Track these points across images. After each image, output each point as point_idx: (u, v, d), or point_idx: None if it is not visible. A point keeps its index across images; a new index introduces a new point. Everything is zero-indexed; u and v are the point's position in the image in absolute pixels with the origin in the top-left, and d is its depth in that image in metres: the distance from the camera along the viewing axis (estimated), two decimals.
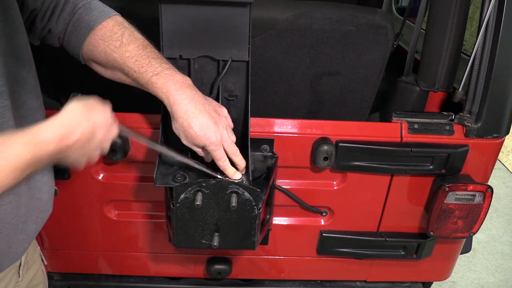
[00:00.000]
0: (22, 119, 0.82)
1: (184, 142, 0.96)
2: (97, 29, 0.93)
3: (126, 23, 0.96)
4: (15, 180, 0.68)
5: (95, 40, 0.94)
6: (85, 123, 0.77)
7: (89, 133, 0.78)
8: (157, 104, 0.98)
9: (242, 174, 1.01)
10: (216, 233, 1.02)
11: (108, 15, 0.95)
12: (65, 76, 1.35)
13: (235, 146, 0.99)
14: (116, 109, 1.16)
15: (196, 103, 0.92)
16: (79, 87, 1.37)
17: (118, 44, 0.92)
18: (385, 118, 1.33)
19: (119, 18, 0.96)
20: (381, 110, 1.52)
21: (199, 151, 0.98)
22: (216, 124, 0.93)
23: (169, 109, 0.92)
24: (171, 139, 1.09)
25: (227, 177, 1.00)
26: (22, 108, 0.83)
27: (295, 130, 1.19)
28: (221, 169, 0.99)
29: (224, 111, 1.00)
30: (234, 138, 1.00)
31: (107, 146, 0.85)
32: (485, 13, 1.10)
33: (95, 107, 0.81)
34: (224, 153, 0.97)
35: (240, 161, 1.00)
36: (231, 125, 1.01)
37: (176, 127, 0.94)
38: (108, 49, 0.93)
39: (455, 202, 1.23)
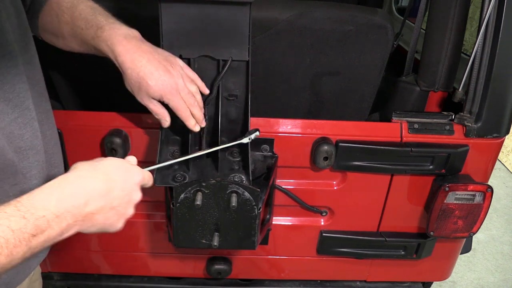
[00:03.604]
0: (41, 118, 0.82)
1: (139, 98, 0.92)
2: None
3: None
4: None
5: (50, 6, 0.93)
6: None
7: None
8: None
9: (241, 175, 1.01)
10: (216, 233, 1.02)
11: None
12: (65, 76, 1.35)
13: (194, 96, 0.95)
14: (116, 109, 1.16)
15: (143, 51, 0.88)
16: (79, 87, 1.38)
17: (69, 5, 0.92)
18: (385, 118, 1.33)
19: None
20: (381, 110, 1.52)
21: (156, 109, 0.93)
22: (168, 72, 0.89)
23: (115, 63, 0.89)
24: (171, 138, 1.09)
25: (189, 128, 0.96)
26: (40, 109, 0.83)
27: (295, 130, 1.19)
28: (182, 119, 0.95)
29: (178, 61, 0.95)
30: (193, 88, 0.95)
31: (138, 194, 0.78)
32: (485, 13, 1.10)
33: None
34: (183, 103, 0.93)
35: (198, 112, 0.95)
36: (191, 76, 0.97)
37: (127, 83, 0.91)
38: (60, 11, 0.92)
39: (455, 202, 1.23)
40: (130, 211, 0.76)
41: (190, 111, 0.95)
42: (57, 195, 0.63)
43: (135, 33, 0.91)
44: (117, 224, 0.74)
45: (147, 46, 0.90)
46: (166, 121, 0.96)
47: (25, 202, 0.59)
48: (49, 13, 0.94)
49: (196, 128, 0.97)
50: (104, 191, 0.69)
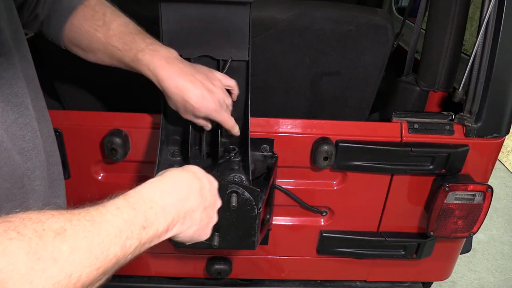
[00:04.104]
0: (39, 117, 0.81)
1: (185, 116, 0.95)
2: (79, 9, 0.91)
3: (106, 2, 0.95)
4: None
5: (78, 20, 0.92)
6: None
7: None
8: (157, 104, 0.98)
9: (241, 175, 1.02)
10: (216, 233, 1.02)
11: None
12: (65, 76, 1.35)
13: (229, 108, 0.99)
14: (116, 109, 1.17)
15: (186, 75, 0.90)
16: (79, 87, 1.37)
17: (101, 23, 0.91)
18: (385, 118, 1.33)
19: None
20: (381, 110, 1.52)
21: (201, 122, 0.97)
22: (211, 93, 0.92)
23: (159, 86, 0.91)
24: (171, 138, 1.09)
25: (233, 133, 1.01)
26: (37, 107, 0.81)
27: (295, 130, 1.19)
28: (227, 129, 1.00)
29: (216, 74, 0.98)
30: (229, 101, 0.99)
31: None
32: (485, 13, 1.10)
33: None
34: (226, 115, 0.97)
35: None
36: (230, 83, 1.00)
37: (172, 104, 0.93)
38: (91, 28, 0.91)
39: (455, 202, 1.23)
40: (215, 217, 0.77)
41: None
42: (161, 189, 0.64)
43: (174, 53, 0.92)
44: (207, 229, 0.75)
45: (188, 67, 0.92)
46: (208, 127, 1.02)
47: (133, 195, 0.59)
48: (78, 28, 0.92)
49: (238, 133, 1.03)
50: (199, 188, 0.70)
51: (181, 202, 0.66)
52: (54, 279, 0.44)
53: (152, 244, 0.61)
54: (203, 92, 0.91)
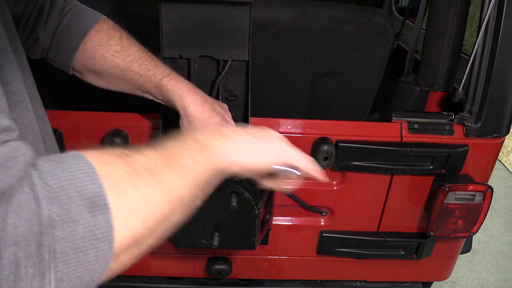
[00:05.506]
0: (43, 130, 0.78)
1: None
2: (91, 33, 0.89)
3: (117, 26, 0.94)
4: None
5: (91, 45, 0.89)
6: None
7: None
8: (156, 104, 0.98)
9: None
10: (216, 233, 1.02)
11: (99, 17, 0.91)
12: (65, 76, 1.35)
13: None
14: (115, 109, 1.16)
15: (208, 104, 0.94)
16: (79, 88, 1.37)
17: (118, 48, 0.90)
18: (385, 118, 1.33)
19: (109, 21, 0.93)
20: (381, 110, 1.52)
21: None
22: (227, 121, 0.97)
23: (182, 110, 0.92)
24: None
25: None
26: (37, 111, 0.78)
27: (295, 130, 1.19)
28: None
29: (225, 106, 1.03)
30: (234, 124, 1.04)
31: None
32: (485, 13, 1.10)
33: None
34: None
35: None
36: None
37: (187, 128, 0.95)
38: (108, 54, 0.89)
39: (455, 202, 1.23)
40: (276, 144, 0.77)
41: None
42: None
43: (192, 84, 0.96)
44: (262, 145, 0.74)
45: (207, 97, 0.97)
46: None
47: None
48: (92, 53, 0.89)
49: None
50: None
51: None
52: (151, 184, 0.50)
53: (213, 163, 0.62)
54: (222, 121, 0.95)
